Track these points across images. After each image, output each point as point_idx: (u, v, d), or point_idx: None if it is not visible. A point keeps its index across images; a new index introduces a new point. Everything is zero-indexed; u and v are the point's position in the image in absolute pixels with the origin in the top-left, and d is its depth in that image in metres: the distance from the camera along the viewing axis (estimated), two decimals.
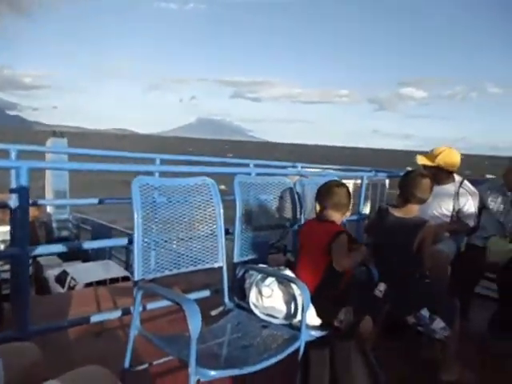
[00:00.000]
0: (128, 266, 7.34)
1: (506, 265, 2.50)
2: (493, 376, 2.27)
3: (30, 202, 2.11)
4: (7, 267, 3.46)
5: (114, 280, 6.58)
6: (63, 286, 7.17)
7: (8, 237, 3.17)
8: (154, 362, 1.74)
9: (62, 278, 7.36)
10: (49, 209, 10.20)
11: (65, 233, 10.28)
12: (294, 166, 4.39)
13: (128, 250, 7.28)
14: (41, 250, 2.25)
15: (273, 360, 1.51)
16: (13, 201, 2.11)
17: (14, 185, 2.06)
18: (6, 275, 2.96)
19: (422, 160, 2.87)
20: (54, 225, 10.24)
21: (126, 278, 6.69)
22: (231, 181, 2.08)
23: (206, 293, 2.39)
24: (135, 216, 1.62)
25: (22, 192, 1.86)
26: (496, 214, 2.80)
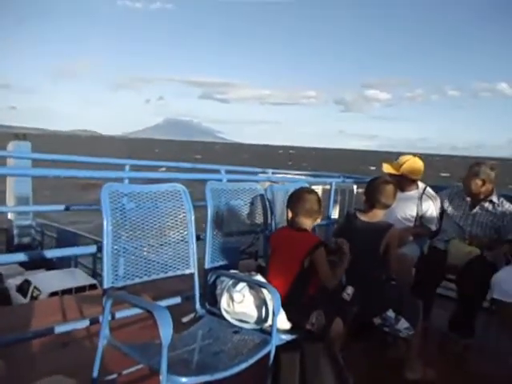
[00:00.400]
0: (95, 273, 7.13)
1: (464, 266, 2.63)
2: (453, 372, 2.39)
3: None
4: None
5: (80, 288, 6.36)
6: (25, 296, 6.86)
7: None
8: (124, 372, 1.71)
9: (24, 288, 7.04)
10: (10, 215, 9.74)
11: (27, 240, 9.84)
12: (264, 172, 4.43)
13: (95, 257, 7.06)
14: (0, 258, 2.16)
15: (244, 365, 1.52)
16: None
17: None
18: None
19: (387, 169, 2.98)
20: (15, 231, 9.79)
21: (93, 286, 6.49)
22: (199, 184, 2.08)
23: (176, 300, 2.38)
24: (104, 223, 1.60)
25: None
26: (456, 217, 2.93)
